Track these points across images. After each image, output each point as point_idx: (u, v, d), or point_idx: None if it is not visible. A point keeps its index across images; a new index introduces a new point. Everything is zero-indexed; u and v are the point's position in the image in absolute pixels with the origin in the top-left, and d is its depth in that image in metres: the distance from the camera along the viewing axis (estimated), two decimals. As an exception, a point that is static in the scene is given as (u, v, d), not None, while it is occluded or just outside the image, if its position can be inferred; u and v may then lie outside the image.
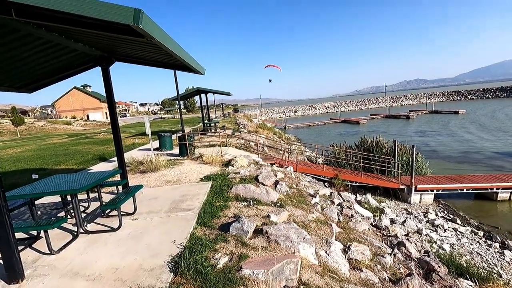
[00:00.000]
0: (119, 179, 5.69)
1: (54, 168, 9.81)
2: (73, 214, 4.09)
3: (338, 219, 6.25)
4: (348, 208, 7.23)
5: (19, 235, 3.89)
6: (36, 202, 5.55)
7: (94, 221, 4.53)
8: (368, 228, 6.39)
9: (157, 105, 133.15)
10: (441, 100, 75.42)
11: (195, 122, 30.59)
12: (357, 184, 11.25)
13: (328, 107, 76.68)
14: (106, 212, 4.67)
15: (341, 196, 8.84)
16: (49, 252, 3.47)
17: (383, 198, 11.21)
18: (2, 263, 2.99)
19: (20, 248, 3.73)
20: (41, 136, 30.70)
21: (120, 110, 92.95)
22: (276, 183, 6.66)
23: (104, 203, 4.30)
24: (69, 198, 4.44)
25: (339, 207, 7.28)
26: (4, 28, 3.42)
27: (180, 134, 10.35)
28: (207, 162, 8.76)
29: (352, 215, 6.95)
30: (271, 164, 9.86)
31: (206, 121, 19.46)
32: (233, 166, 8.04)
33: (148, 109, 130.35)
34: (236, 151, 11.57)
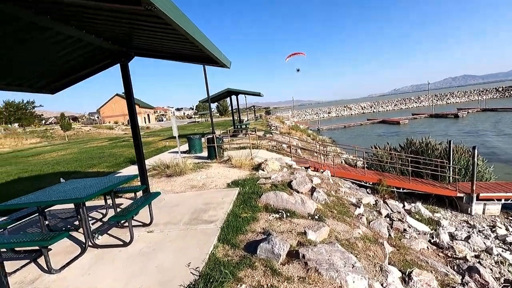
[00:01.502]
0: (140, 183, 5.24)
1: (87, 171, 9.88)
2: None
3: (389, 234, 5.22)
4: (399, 220, 6.12)
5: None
6: (56, 207, 5.31)
7: (108, 231, 4.07)
8: (427, 247, 5.26)
9: (192, 109, 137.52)
10: (495, 97, 67.90)
11: (228, 125, 30.47)
12: (404, 191, 9.91)
13: (365, 107, 72.98)
14: (121, 222, 4.19)
15: (388, 205, 7.67)
16: (48, 271, 3.00)
17: (437, 208, 9.71)
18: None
19: (24, 263, 3.35)
20: (85, 140, 32.69)
21: (157, 115, 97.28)
22: (313, 190, 5.79)
23: (117, 213, 3.80)
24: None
25: (388, 219, 6.21)
26: (5, 17, 3.05)
27: (209, 137, 9.88)
28: (236, 165, 8.13)
29: (404, 230, 5.85)
30: (306, 168, 8.97)
31: (237, 123, 19.02)
32: (264, 170, 7.31)
33: (184, 113, 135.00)
34: (267, 153, 10.84)
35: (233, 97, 19.71)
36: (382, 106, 72.46)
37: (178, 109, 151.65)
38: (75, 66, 4.83)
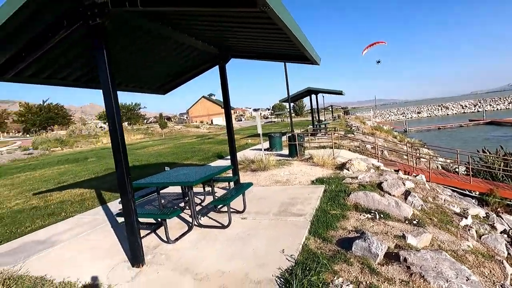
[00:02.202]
0: (231, 175, 5.73)
1: (182, 162, 11.26)
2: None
3: (508, 253, 4.38)
4: (522, 239, 5.07)
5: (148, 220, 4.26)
6: (164, 191, 6.23)
7: (207, 215, 4.58)
8: None
9: (268, 109, 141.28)
10: None
11: (304, 125, 30.26)
12: (526, 205, 8.10)
13: (466, 106, 62.21)
14: (218, 207, 4.66)
15: (503, 220, 6.42)
16: (166, 241, 3.58)
17: None
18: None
19: (147, 232, 4.06)
20: (178, 137, 37.23)
21: (237, 115, 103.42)
22: (407, 193, 5.31)
23: (215, 198, 4.25)
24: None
25: (506, 235, 5.21)
26: (142, 31, 3.77)
27: (290, 135, 10.03)
28: (318, 164, 8.05)
29: (530, 251, 4.80)
30: (395, 171, 8.24)
31: (316, 122, 18.74)
32: (349, 170, 7.04)
33: (260, 113, 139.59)
34: (350, 153, 10.36)
35: (313, 96, 19.47)
36: (490, 105, 60.55)
37: (255, 110, 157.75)
38: (183, 70, 5.59)
